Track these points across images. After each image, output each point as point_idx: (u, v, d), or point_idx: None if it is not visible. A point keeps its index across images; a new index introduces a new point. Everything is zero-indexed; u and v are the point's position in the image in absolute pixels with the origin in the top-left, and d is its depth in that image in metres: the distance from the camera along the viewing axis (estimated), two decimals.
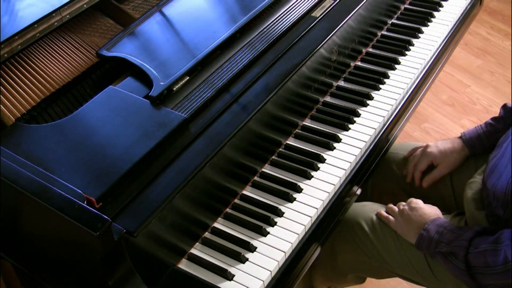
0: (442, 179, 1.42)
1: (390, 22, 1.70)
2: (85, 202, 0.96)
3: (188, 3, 1.43)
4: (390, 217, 1.33)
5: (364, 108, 1.43)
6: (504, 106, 1.40)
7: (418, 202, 1.32)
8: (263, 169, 1.28)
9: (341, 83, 1.51)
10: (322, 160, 1.30)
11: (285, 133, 1.34)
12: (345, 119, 1.39)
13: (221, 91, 1.21)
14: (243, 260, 1.11)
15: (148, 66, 1.22)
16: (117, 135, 1.09)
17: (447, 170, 1.42)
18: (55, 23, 1.31)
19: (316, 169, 1.28)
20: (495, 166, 1.20)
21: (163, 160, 1.08)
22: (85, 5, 1.36)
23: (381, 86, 1.49)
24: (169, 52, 1.28)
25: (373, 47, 1.62)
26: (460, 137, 1.43)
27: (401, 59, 1.57)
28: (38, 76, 1.27)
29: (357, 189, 1.33)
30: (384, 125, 1.41)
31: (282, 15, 1.40)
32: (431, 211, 1.29)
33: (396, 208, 1.34)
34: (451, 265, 1.18)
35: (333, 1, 1.47)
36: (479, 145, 1.39)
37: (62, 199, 0.95)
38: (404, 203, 1.35)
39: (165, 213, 1.03)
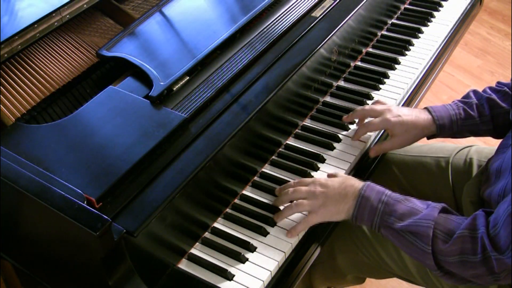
0: (441, 179, 1.42)
1: (390, 22, 1.70)
2: (85, 202, 0.96)
3: (188, 3, 1.43)
4: (309, 219, 1.15)
5: None
6: (475, 92, 1.33)
7: (326, 178, 1.17)
8: (263, 169, 1.28)
9: (341, 83, 1.51)
10: (322, 160, 1.30)
11: (285, 133, 1.34)
12: None
13: (221, 91, 1.21)
14: (243, 260, 1.11)
15: (148, 66, 1.22)
16: (117, 135, 1.09)
17: (401, 146, 1.33)
18: (55, 23, 1.31)
19: (316, 169, 1.28)
20: (493, 174, 1.18)
21: (163, 160, 1.08)
22: (85, 5, 1.36)
23: (381, 86, 1.49)
24: (169, 52, 1.28)
25: (373, 47, 1.62)
26: (430, 113, 1.31)
27: (401, 59, 1.57)
28: (38, 76, 1.27)
29: None
30: None
31: (282, 15, 1.40)
32: (348, 177, 1.17)
33: (289, 203, 1.16)
34: (408, 244, 1.06)
35: (333, 1, 1.47)
36: (448, 129, 1.30)
37: (62, 199, 0.95)
38: (294, 189, 1.16)
39: (165, 213, 1.03)
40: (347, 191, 1.14)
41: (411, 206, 1.10)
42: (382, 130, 1.40)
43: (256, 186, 1.25)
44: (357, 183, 1.15)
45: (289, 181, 1.24)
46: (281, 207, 1.19)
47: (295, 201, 1.16)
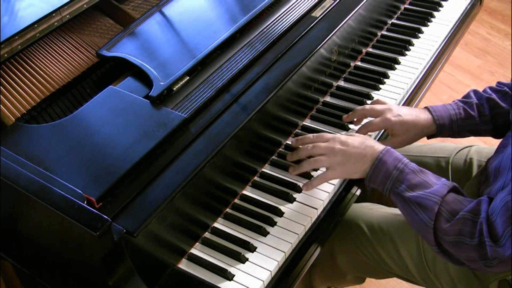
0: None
1: (390, 22, 1.70)
2: (85, 202, 0.96)
3: (188, 3, 1.43)
4: (326, 175, 1.18)
5: None
6: (475, 92, 1.33)
7: (346, 135, 1.18)
8: (263, 169, 1.28)
9: (341, 83, 1.51)
10: None
11: (285, 133, 1.34)
12: None
13: (221, 91, 1.21)
14: (243, 260, 1.11)
15: (148, 66, 1.22)
16: (117, 135, 1.09)
17: (402, 145, 1.32)
18: (55, 23, 1.31)
19: (316, 169, 1.28)
20: (492, 174, 1.18)
21: (163, 160, 1.08)
22: (85, 5, 1.36)
23: (381, 86, 1.49)
24: (169, 52, 1.28)
25: (373, 47, 1.62)
26: (430, 113, 1.31)
27: (401, 59, 1.57)
28: (38, 76, 1.27)
29: (357, 190, 1.33)
30: None
31: (282, 15, 1.40)
32: (368, 137, 1.18)
33: (306, 159, 1.19)
34: (412, 214, 1.08)
35: (333, 1, 1.47)
36: (448, 128, 1.30)
37: (62, 199, 0.95)
38: (313, 145, 1.19)
39: (165, 213, 1.03)
40: (367, 151, 1.15)
41: (424, 179, 1.10)
42: (382, 131, 1.40)
43: (256, 186, 1.25)
44: (377, 146, 1.16)
45: (289, 181, 1.24)
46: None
47: (314, 157, 1.19)
